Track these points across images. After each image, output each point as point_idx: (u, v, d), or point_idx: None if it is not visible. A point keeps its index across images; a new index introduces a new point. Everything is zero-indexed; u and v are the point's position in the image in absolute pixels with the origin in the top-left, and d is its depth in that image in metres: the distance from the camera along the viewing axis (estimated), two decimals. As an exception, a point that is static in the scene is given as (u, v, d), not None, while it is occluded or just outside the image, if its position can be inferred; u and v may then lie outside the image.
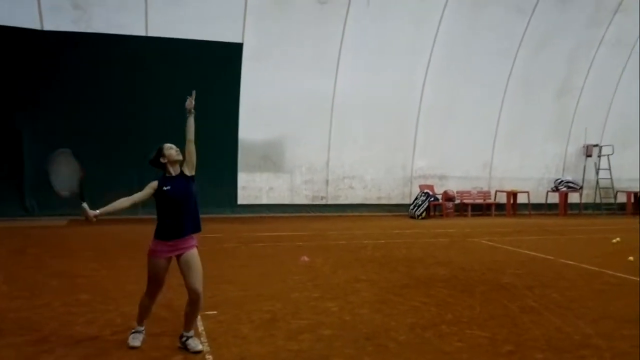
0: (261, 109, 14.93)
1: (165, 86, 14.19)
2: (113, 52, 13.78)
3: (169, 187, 4.40)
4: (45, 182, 4.44)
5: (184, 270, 4.40)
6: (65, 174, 4.52)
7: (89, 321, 5.17)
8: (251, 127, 14.97)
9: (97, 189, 15.34)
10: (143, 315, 4.63)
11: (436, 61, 16.01)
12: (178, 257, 4.42)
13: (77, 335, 4.75)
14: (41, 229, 12.07)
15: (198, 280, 4.40)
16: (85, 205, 4.33)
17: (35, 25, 13.19)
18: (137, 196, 4.45)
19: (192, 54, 14.22)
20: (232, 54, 14.49)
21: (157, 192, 4.40)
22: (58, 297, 6.01)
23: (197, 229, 4.50)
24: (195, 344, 4.41)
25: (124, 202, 4.43)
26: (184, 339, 4.44)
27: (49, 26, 13.25)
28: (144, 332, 4.62)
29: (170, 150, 4.48)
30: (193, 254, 4.43)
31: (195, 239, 4.50)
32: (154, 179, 4.48)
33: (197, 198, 4.52)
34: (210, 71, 14.47)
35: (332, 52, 15.24)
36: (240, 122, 14.90)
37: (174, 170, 4.47)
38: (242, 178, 15.18)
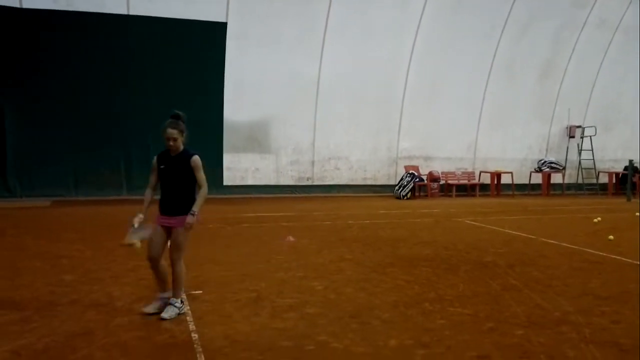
0: (246, 89, 14.82)
1: (148, 66, 14.04)
2: (94, 30, 13.54)
3: (163, 166, 4.73)
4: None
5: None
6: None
7: (73, 301, 5.15)
8: (236, 107, 14.86)
9: (81, 167, 15.31)
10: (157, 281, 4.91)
11: (421, 43, 15.96)
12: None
13: (61, 315, 4.73)
14: (24, 209, 11.94)
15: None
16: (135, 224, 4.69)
17: (14, 3, 12.89)
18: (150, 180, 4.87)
19: (175, 33, 14.00)
20: (216, 34, 14.29)
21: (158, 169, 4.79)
22: (41, 278, 5.98)
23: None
24: (167, 310, 4.67)
25: (145, 192, 4.86)
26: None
27: (27, 4, 12.95)
28: (161, 299, 4.81)
29: (166, 137, 4.66)
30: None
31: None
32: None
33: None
34: (193, 51, 14.30)
35: (318, 32, 15.11)
36: (225, 102, 14.78)
37: (173, 152, 4.73)
38: (227, 159, 15.11)
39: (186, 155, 4.69)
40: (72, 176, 13.93)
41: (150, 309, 4.73)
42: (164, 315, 4.61)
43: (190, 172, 4.68)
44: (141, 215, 4.69)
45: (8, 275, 6.11)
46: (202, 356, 3.87)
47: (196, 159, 4.69)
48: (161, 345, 4.11)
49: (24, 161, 13.52)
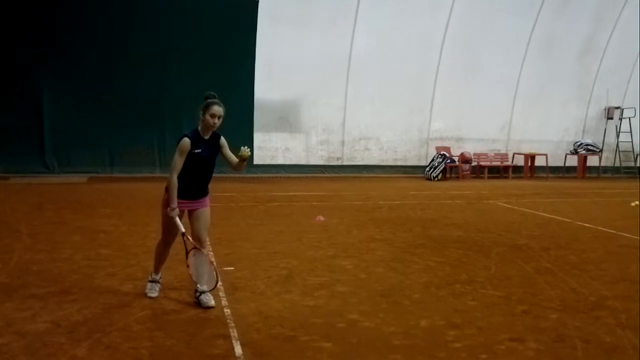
0: (277, 69, 14.80)
1: (181, 45, 14.13)
2: (128, 8, 13.67)
3: (199, 150, 4.39)
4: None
5: (192, 221, 4.58)
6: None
7: (110, 274, 5.29)
8: (267, 87, 14.88)
9: (116, 144, 15.56)
10: (159, 262, 4.75)
11: (455, 20, 15.65)
12: (190, 211, 4.58)
13: (98, 288, 4.87)
14: (61, 185, 12.25)
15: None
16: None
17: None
18: (179, 165, 4.37)
19: (207, 12, 14.04)
20: (248, 12, 14.28)
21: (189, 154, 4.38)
22: (79, 252, 6.14)
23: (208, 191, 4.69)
24: (207, 299, 4.43)
25: (174, 180, 4.36)
26: (197, 294, 4.48)
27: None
28: (160, 281, 4.76)
29: (213, 113, 4.34)
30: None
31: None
32: (183, 136, 4.39)
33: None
34: (225, 29, 14.31)
35: (349, 10, 14.95)
36: (256, 82, 14.79)
37: (206, 134, 4.46)
38: (258, 138, 15.19)
39: (215, 136, 4.53)
40: (107, 153, 14.24)
41: (156, 293, 4.65)
42: (212, 303, 4.41)
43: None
44: (177, 210, 4.40)
45: (48, 248, 6.30)
46: (235, 331, 3.93)
47: (223, 138, 4.58)
48: (195, 319, 4.18)
49: (61, 139, 13.85)
